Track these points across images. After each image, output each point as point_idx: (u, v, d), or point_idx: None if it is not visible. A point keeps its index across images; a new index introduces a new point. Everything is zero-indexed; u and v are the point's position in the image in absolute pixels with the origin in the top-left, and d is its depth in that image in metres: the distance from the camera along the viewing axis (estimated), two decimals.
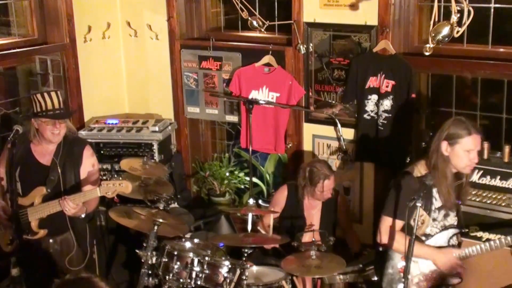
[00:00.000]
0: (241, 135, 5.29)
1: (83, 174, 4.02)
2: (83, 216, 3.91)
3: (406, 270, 3.28)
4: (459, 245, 3.65)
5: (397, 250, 3.55)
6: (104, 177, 4.66)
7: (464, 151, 3.41)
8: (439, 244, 3.57)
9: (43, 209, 3.87)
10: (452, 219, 3.63)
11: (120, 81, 5.92)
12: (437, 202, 3.56)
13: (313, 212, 4.44)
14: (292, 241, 4.17)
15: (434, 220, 3.57)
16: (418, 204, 3.22)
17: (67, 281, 2.24)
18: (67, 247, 4.03)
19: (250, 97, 5.10)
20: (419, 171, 3.55)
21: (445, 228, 3.60)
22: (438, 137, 3.48)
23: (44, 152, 3.97)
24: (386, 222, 3.59)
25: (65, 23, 5.29)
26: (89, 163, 4.04)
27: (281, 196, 4.53)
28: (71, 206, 3.76)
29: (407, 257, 3.26)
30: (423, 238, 3.58)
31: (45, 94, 3.83)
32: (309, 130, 5.04)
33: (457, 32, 3.53)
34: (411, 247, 3.24)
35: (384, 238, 3.60)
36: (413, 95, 4.44)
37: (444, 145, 3.44)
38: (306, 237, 4.25)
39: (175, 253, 3.91)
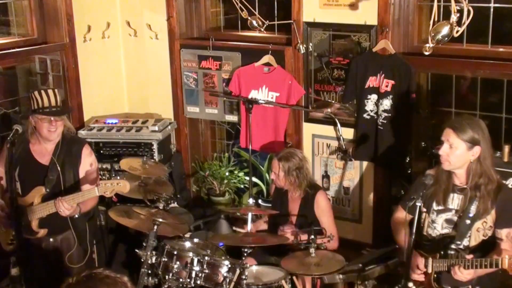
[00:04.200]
0: (241, 134, 5.29)
1: (82, 173, 4.02)
2: (77, 216, 3.90)
3: (405, 268, 3.27)
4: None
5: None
6: (104, 177, 4.67)
7: None
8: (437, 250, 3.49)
9: (42, 208, 3.87)
10: (452, 229, 3.50)
11: (119, 80, 5.92)
12: (436, 204, 3.52)
13: (293, 207, 4.42)
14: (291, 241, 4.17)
15: (433, 222, 3.54)
16: (418, 204, 3.20)
17: (79, 280, 2.12)
18: (68, 245, 4.03)
19: (249, 96, 5.10)
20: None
21: (441, 235, 3.52)
22: None
23: (43, 151, 3.97)
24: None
25: (64, 23, 5.29)
26: (87, 162, 4.04)
27: (272, 191, 4.60)
28: (66, 207, 3.76)
29: (406, 256, 3.25)
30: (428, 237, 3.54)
31: (43, 92, 3.84)
32: (308, 129, 5.04)
33: (457, 31, 3.52)
34: (410, 247, 3.22)
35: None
36: (413, 95, 4.43)
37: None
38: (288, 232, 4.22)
39: (175, 252, 3.90)
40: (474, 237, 3.44)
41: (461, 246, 3.45)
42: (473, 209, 3.40)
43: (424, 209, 3.54)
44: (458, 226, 3.45)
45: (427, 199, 3.52)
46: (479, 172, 3.38)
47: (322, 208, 4.32)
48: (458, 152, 3.35)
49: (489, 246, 3.43)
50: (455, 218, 3.47)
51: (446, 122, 3.50)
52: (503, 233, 3.39)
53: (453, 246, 3.44)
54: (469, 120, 3.42)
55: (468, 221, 3.41)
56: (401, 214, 3.71)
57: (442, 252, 3.44)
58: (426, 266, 3.44)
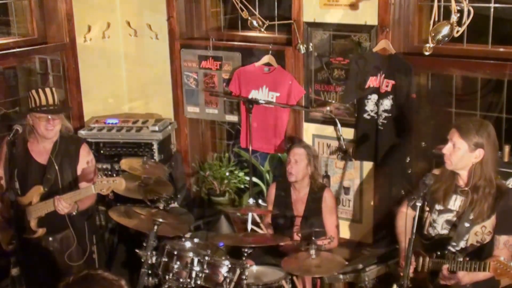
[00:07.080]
0: (241, 134, 5.29)
1: (79, 172, 4.04)
2: (74, 213, 3.91)
3: (405, 268, 3.28)
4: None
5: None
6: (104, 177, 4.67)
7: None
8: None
9: (41, 207, 3.88)
10: (451, 230, 3.51)
11: (119, 80, 5.92)
12: (438, 204, 3.54)
13: (298, 206, 4.42)
14: (291, 240, 4.18)
15: (434, 221, 3.55)
16: (418, 204, 3.21)
17: (76, 280, 2.12)
18: (67, 244, 4.04)
19: (250, 96, 5.09)
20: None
21: (439, 236, 3.54)
22: None
23: (41, 150, 3.98)
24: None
25: (65, 22, 5.29)
26: (85, 161, 4.06)
27: (271, 193, 4.59)
28: (64, 205, 3.77)
29: (407, 255, 3.26)
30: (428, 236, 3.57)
31: (40, 90, 3.86)
32: (309, 130, 5.04)
33: (457, 31, 3.52)
34: (410, 246, 3.24)
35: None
36: (413, 95, 4.43)
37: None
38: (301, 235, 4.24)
39: (175, 252, 3.91)
40: (471, 241, 3.44)
41: (458, 248, 3.45)
42: (473, 212, 3.40)
43: (427, 208, 3.56)
44: (457, 228, 3.45)
45: (430, 198, 3.54)
46: (479, 174, 3.39)
47: (329, 205, 4.42)
48: (460, 153, 3.38)
49: (486, 252, 3.42)
50: (455, 220, 3.48)
51: (454, 121, 3.54)
52: (501, 239, 3.39)
53: (450, 248, 3.46)
54: (476, 123, 3.45)
55: (467, 224, 3.42)
56: (405, 209, 3.78)
57: (438, 253, 3.46)
58: (417, 265, 3.47)
